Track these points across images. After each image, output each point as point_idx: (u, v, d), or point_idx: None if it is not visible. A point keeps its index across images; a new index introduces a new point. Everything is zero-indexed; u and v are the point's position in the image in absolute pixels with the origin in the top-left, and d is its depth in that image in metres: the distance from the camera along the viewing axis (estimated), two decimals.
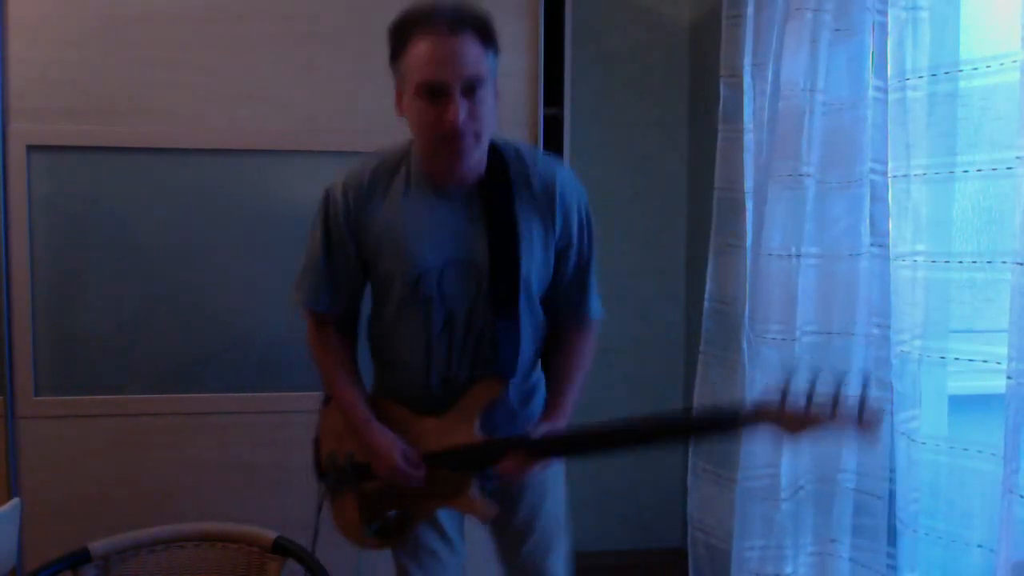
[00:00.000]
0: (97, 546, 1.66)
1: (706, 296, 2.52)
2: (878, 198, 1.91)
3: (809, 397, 1.35)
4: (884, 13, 1.86)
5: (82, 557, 1.64)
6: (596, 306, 1.71)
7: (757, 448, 2.14)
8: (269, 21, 2.37)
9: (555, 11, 2.50)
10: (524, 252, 1.56)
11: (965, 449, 1.70)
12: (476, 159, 1.51)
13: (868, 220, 1.93)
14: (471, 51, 1.44)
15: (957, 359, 1.74)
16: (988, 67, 1.64)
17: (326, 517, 1.76)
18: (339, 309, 1.68)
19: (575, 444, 1.65)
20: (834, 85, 1.99)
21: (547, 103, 2.49)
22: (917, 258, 1.78)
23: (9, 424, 2.32)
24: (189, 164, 2.38)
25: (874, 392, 1.35)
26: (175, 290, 2.40)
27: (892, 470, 1.87)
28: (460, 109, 1.43)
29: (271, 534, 1.71)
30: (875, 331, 1.92)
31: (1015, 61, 1.53)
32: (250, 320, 2.45)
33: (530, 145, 1.67)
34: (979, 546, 1.67)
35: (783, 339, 2.08)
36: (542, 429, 1.58)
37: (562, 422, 1.63)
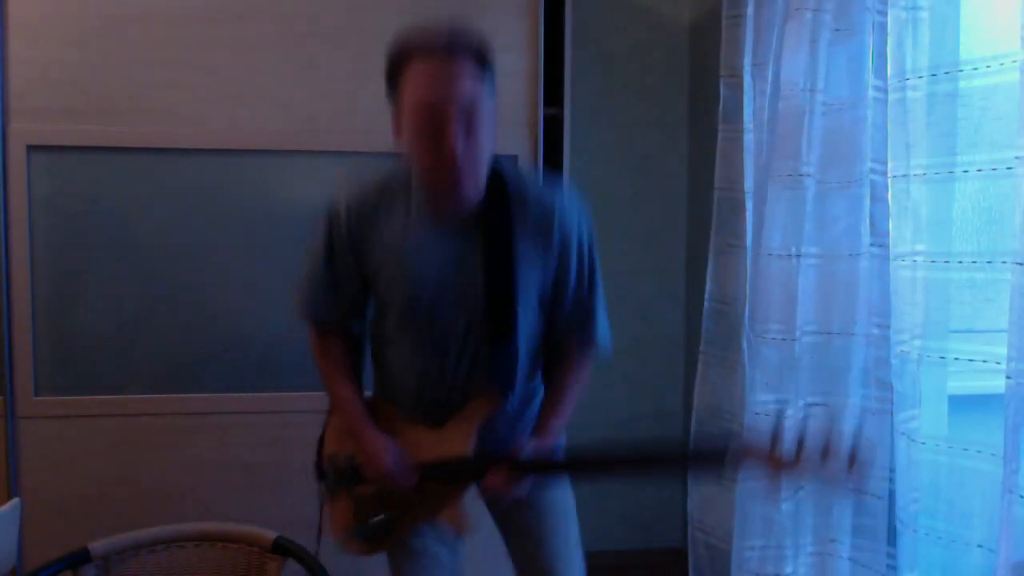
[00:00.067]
0: (97, 546, 1.66)
1: (706, 296, 2.52)
2: (878, 198, 1.91)
3: (800, 441, 1.35)
4: (884, 13, 1.86)
5: (82, 557, 1.64)
6: (601, 333, 1.68)
7: None
8: (269, 21, 2.37)
9: (555, 11, 2.50)
10: (521, 280, 1.56)
11: (965, 449, 1.70)
12: (474, 185, 1.49)
13: (868, 220, 1.93)
14: (468, 79, 1.43)
15: (957, 359, 1.74)
16: (988, 67, 1.64)
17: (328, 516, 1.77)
18: (339, 319, 1.69)
19: (561, 466, 1.65)
20: (834, 85, 1.99)
21: (547, 103, 2.48)
22: (917, 258, 1.78)
23: (9, 424, 2.32)
24: (189, 164, 2.38)
25: (864, 442, 1.34)
26: (175, 290, 2.40)
27: (892, 470, 1.87)
28: (457, 138, 1.42)
29: (271, 534, 1.71)
30: (875, 331, 1.92)
31: (1015, 61, 1.53)
32: (250, 320, 2.45)
33: (533, 169, 1.66)
34: (979, 546, 1.67)
35: (783, 339, 2.08)
36: (530, 447, 1.58)
37: (551, 441, 1.63)
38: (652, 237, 3.16)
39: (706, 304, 2.52)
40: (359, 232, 1.59)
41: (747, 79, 2.33)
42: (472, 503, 1.65)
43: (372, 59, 2.39)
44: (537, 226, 1.55)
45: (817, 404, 2.05)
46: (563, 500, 1.77)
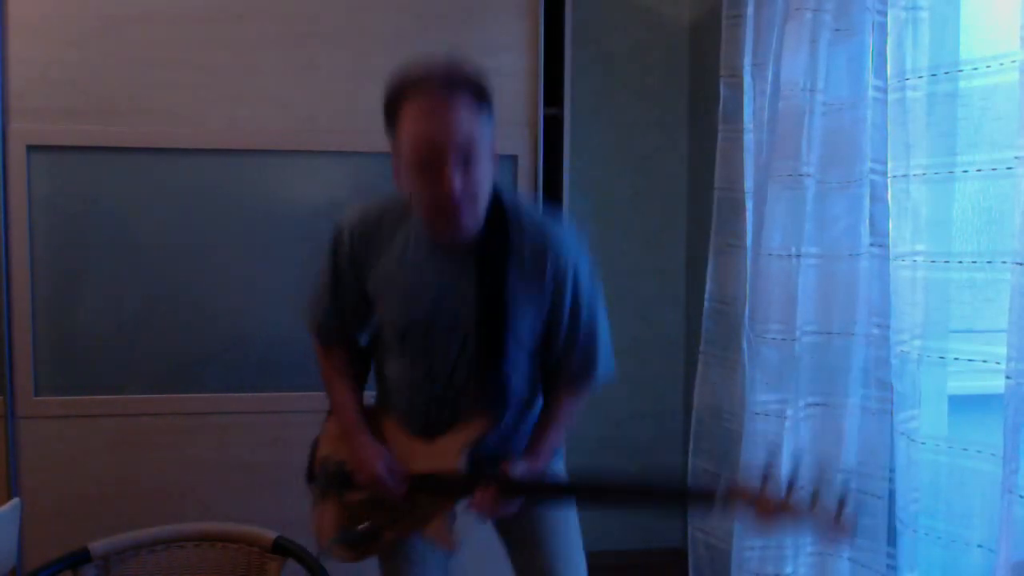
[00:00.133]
0: (97, 546, 1.66)
1: (706, 296, 2.52)
2: (878, 198, 1.91)
3: (790, 486, 1.34)
4: (884, 13, 1.86)
5: (82, 557, 1.64)
6: (600, 369, 1.67)
7: (757, 448, 2.14)
8: (269, 21, 2.37)
9: (555, 11, 2.50)
10: (513, 315, 1.56)
11: (965, 449, 1.70)
12: (473, 219, 1.49)
13: (868, 220, 1.93)
14: (464, 116, 1.42)
15: (957, 359, 1.74)
16: (988, 67, 1.64)
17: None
18: (342, 332, 1.73)
19: (550, 490, 1.66)
20: (834, 85, 1.99)
21: (547, 103, 2.48)
22: (917, 258, 1.78)
23: (9, 424, 2.32)
24: (189, 164, 2.38)
25: (855, 493, 1.33)
26: (175, 290, 2.40)
27: (892, 470, 1.87)
28: (455, 179, 1.42)
29: (271, 534, 1.71)
30: (875, 331, 1.92)
31: (1015, 61, 1.53)
32: (250, 320, 2.45)
33: (534, 205, 1.66)
34: (979, 546, 1.67)
35: (783, 339, 2.08)
36: (519, 469, 1.58)
37: (541, 463, 1.64)
38: (652, 237, 3.15)
39: (706, 304, 2.52)
40: (360, 252, 1.62)
41: (747, 79, 2.33)
42: (465, 515, 1.65)
43: (372, 59, 2.42)
44: (531, 263, 1.56)
45: (817, 404, 2.05)
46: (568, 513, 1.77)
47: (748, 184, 2.34)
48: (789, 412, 2.06)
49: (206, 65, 2.35)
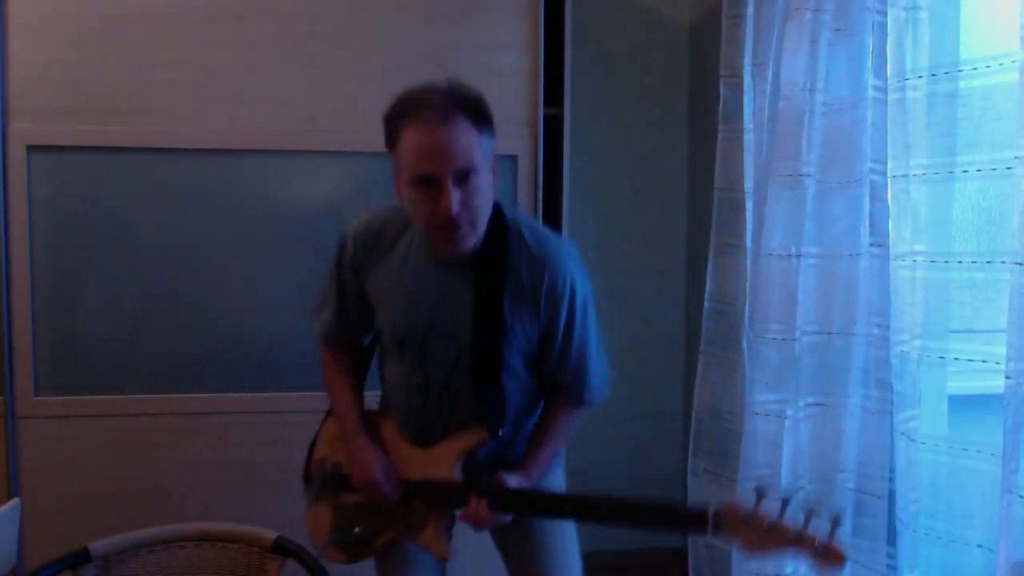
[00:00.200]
0: (97, 546, 1.66)
1: (706, 296, 2.52)
2: (878, 198, 1.91)
3: (778, 519, 1.34)
4: (884, 13, 1.86)
5: (82, 557, 1.64)
6: (595, 392, 1.69)
7: (757, 448, 2.14)
8: (269, 21, 2.37)
9: (555, 11, 2.50)
10: (509, 332, 1.58)
11: (965, 449, 1.70)
12: (473, 237, 1.51)
13: (868, 220, 1.93)
14: (462, 139, 1.44)
15: (957, 359, 1.74)
16: (988, 67, 1.64)
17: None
18: (345, 336, 1.75)
19: (543, 505, 1.66)
20: (834, 85, 1.99)
21: (547, 103, 2.48)
22: (917, 258, 1.78)
23: (9, 424, 2.32)
24: (189, 164, 2.38)
25: (844, 528, 1.32)
26: (175, 290, 2.40)
27: (892, 470, 1.87)
28: (453, 199, 1.44)
29: (271, 534, 1.71)
30: (875, 331, 1.92)
31: (1015, 61, 1.53)
32: (250, 320, 2.45)
33: (536, 224, 1.67)
34: (979, 546, 1.67)
35: (783, 339, 2.08)
36: (513, 482, 1.59)
37: (535, 478, 1.65)
38: (652, 237, 3.16)
39: (706, 304, 2.52)
40: (363, 259, 1.65)
41: (747, 79, 2.33)
42: (460, 523, 1.65)
43: (372, 59, 2.42)
44: (529, 279, 1.57)
45: (817, 404, 2.05)
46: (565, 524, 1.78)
47: (748, 184, 2.34)
48: (789, 412, 2.06)
49: (206, 65, 2.35)
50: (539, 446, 1.68)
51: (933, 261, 1.75)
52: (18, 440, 2.34)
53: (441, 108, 1.44)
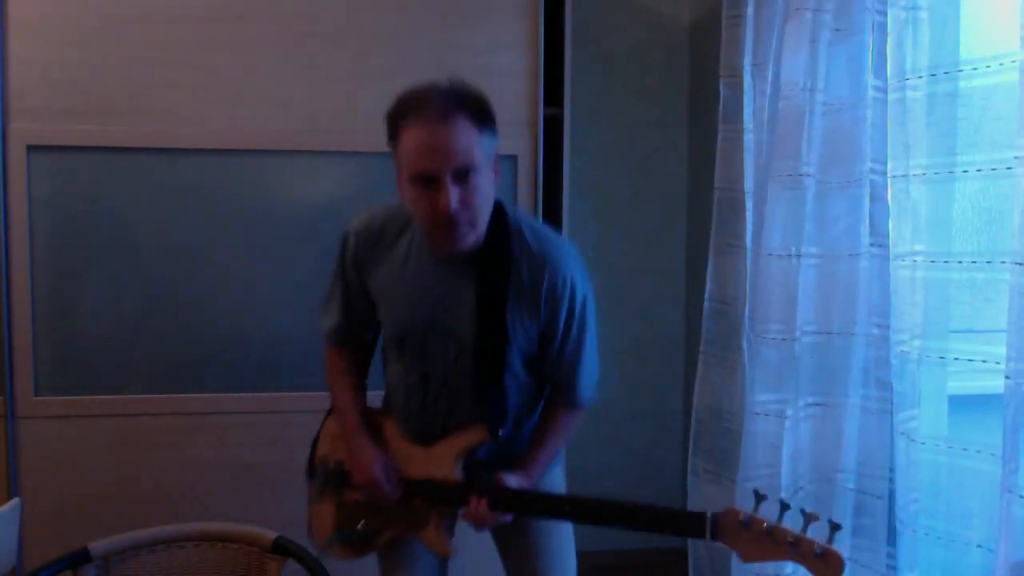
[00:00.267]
0: (97, 546, 1.66)
1: (706, 296, 2.52)
2: (878, 198, 1.91)
3: (775, 526, 1.35)
4: (884, 13, 1.86)
5: (82, 557, 1.64)
6: (584, 394, 1.70)
7: (757, 448, 2.14)
8: (269, 21, 2.37)
9: (555, 11, 2.50)
10: (510, 332, 1.58)
11: (964, 449, 1.70)
12: (473, 235, 1.52)
13: (868, 220, 1.93)
14: (462, 138, 1.44)
15: (957, 359, 1.74)
16: (988, 67, 1.64)
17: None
18: (349, 332, 1.76)
19: (543, 506, 1.66)
20: (834, 85, 1.99)
21: (547, 103, 2.48)
22: (917, 258, 1.78)
23: (9, 424, 2.32)
24: (189, 164, 2.38)
25: (843, 533, 1.32)
26: (175, 290, 2.40)
27: (892, 470, 1.87)
28: (452, 197, 1.44)
29: (271, 534, 1.71)
30: (875, 331, 1.92)
31: (1015, 61, 1.53)
32: (250, 320, 2.45)
33: (537, 223, 1.68)
34: (979, 546, 1.67)
35: (783, 339, 2.08)
36: (513, 482, 1.59)
37: (534, 477, 1.65)
38: (652, 237, 3.16)
39: (706, 304, 2.52)
40: (364, 256, 1.66)
41: (747, 79, 2.33)
42: (461, 522, 1.66)
43: (372, 59, 2.42)
44: (529, 278, 1.57)
45: (817, 404, 2.05)
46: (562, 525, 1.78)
47: (748, 184, 2.34)
48: (789, 412, 2.06)
49: (206, 65, 2.35)
50: (539, 446, 1.69)
51: (933, 261, 1.75)
52: (18, 440, 2.34)
53: (441, 107, 1.45)
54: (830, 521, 1.31)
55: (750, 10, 2.28)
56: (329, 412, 1.83)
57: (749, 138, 2.34)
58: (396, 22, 2.42)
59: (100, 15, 2.30)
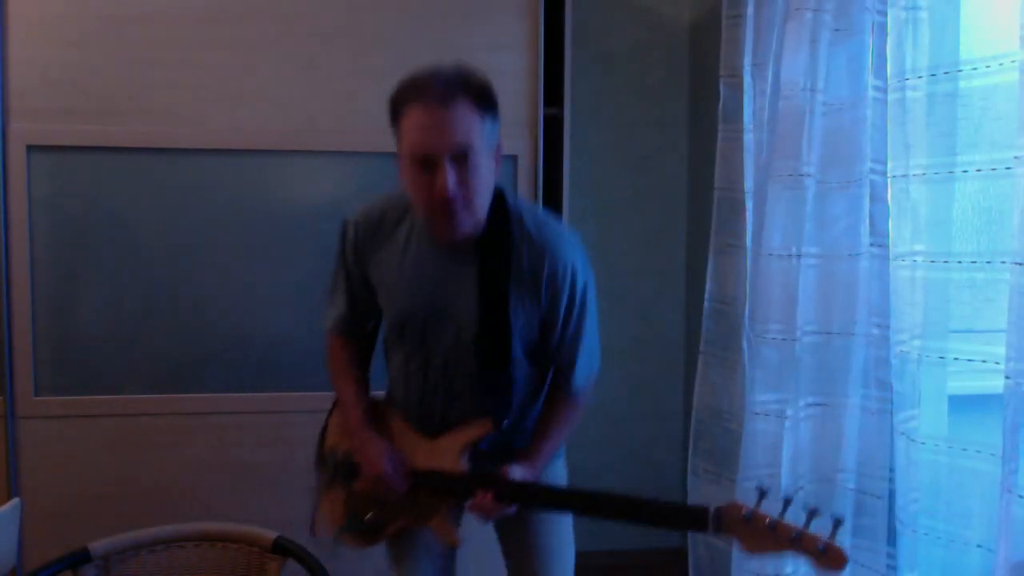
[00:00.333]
0: (97, 546, 1.66)
1: (706, 296, 2.52)
2: (878, 198, 1.91)
3: (778, 520, 1.35)
4: (884, 13, 1.86)
5: (82, 557, 1.64)
6: (581, 382, 1.69)
7: (757, 448, 2.14)
8: (269, 21, 2.37)
9: (555, 11, 2.50)
10: (512, 315, 1.58)
11: (964, 449, 1.70)
12: (472, 222, 1.52)
13: (868, 220, 1.93)
14: (462, 121, 1.44)
15: (956, 359, 1.74)
16: (988, 67, 1.64)
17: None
18: (351, 323, 1.75)
19: (546, 498, 1.66)
20: (834, 85, 1.99)
21: (547, 103, 2.48)
22: (916, 258, 1.78)
23: (9, 424, 2.32)
24: (189, 164, 2.38)
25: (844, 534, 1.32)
26: (175, 290, 2.40)
27: (892, 470, 1.87)
28: (449, 179, 1.44)
29: (271, 534, 1.71)
30: (875, 331, 1.92)
31: (1015, 61, 1.53)
32: (250, 320, 2.45)
33: (537, 211, 1.67)
34: (978, 546, 1.67)
35: (783, 339, 2.08)
36: (517, 474, 1.59)
37: (538, 468, 1.65)
38: (652, 237, 3.16)
39: (706, 304, 2.52)
40: (364, 245, 1.66)
41: (747, 79, 2.33)
42: (467, 513, 1.66)
43: (372, 59, 2.42)
44: (530, 265, 1.57)
45: (817, 404, 2.05)
46: (561, 522, 1.79)
47: (748, 184, 2.34)
48: (789, 412, 2.06)
49: (206, 65, 2.35)
50: (542, 438, 1.69)
51: (933, 261, 1.75)
52: (18, 440, 2.34)
53: (442, 90, 1.44)
54: (832, 517, 1.31)
55: (750, 10, 2.28)
56: (335, 403, 1.83)
57: (749, 138, 2.34)
58: (396, 22, 2.42)
59: (100, 15, 2.31)
